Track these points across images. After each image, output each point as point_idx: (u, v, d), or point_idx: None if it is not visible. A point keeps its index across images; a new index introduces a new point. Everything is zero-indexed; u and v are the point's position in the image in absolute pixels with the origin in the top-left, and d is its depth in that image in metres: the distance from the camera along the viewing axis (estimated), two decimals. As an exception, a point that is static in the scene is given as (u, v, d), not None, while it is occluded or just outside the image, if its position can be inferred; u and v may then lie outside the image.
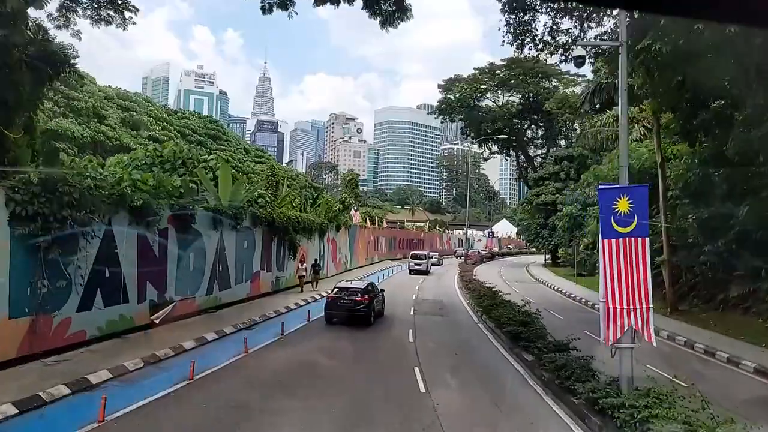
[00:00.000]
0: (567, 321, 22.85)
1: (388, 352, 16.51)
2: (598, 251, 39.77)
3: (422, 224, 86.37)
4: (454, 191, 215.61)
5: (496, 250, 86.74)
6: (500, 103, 66.32)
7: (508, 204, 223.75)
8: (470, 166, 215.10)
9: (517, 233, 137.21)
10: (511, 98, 65.72)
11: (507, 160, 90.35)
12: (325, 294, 28.27)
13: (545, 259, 69.83)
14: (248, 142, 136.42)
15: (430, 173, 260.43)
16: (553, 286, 38.77)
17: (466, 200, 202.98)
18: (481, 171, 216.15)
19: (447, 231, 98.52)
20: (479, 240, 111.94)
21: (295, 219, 28.38)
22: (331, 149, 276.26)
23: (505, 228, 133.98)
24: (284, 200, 33.19)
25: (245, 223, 23.32)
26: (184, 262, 18.64)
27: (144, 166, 24.39)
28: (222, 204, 22.21)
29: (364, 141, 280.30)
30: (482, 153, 73.00)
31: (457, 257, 77.84)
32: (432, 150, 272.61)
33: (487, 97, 66.54)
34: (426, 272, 47.16)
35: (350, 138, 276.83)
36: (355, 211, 46.40)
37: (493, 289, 26.91)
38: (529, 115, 66.95)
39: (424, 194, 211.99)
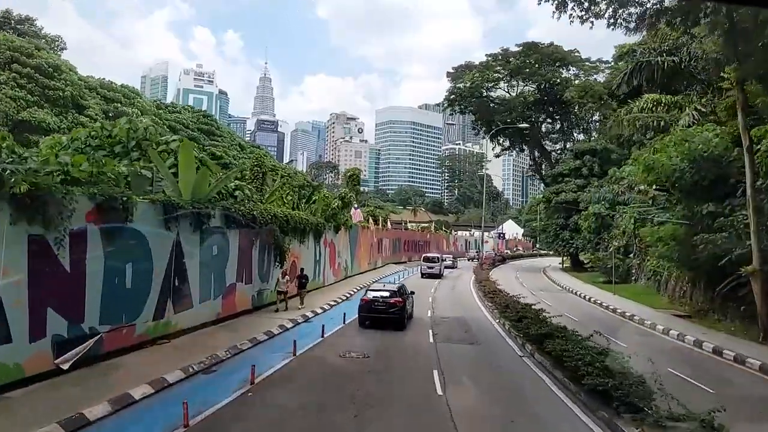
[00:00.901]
0: (636, 351, 17.06)
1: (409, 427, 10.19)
2: (634, 255, 33.80)
3: (427, 225, 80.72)
4: (456, 191, 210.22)
5: (507, 252, 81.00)
6: (515, 93, 60.59)
7: (511, 204, 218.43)
8: (474, 165, 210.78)
9: (523, 234, 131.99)
10: (526, 88, 59.96)
11: (517, 154, 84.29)
12: (319, 310, 22.88)
13: (562, 263, 64.18)
14: (246, 140, 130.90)
15: (431, 173, 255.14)
16: (585, 296, 33.10)
17: (468, 200, 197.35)
18: (485, 171, 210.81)
19: (454, 232, 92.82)
20: (486, 241, 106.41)
21: (283, 217, 22.73)
22: (332, 149, 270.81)
23: (511, 229, 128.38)
24: (273, 195, 27.59)
25: (214, 223, 17.71)
26: (114, 277, 13.01)
27: (88, 149, 18.77)
28: (181, 197, 16.60)
29: (365, 141, 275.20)
30: (492, 148, 67.18)
31: (469, 260, 72.83)
32: (434, 150, 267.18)
33: (500, 87, 60.83)
34: (439, 275, 43.49)
35: (351, 138, 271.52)
36: (356, 209, 40.78)
37: (525, 303, 21.43)
38: (545, 107, 61.22)
39: (426, 195, 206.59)
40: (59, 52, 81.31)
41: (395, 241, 58.74)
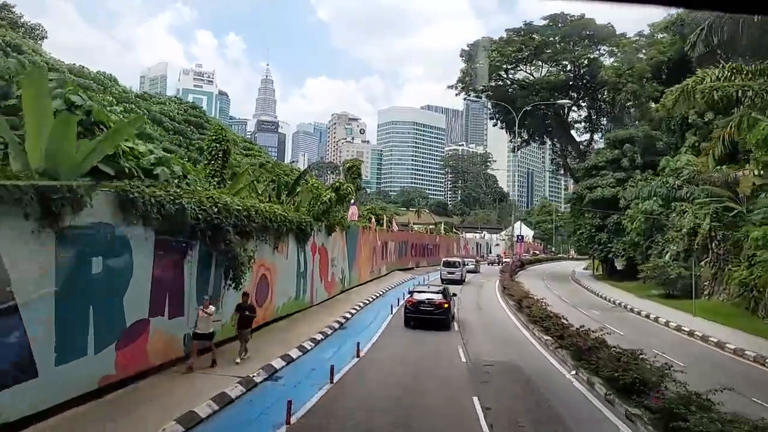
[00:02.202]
0: None
1: None
2: (709, 263, 25.30)
3: (434, 226, 72.41)
4: (460, 193, 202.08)
5: (525, 256, 72.88)
6: (539, 75, 52.34)
7: (516, 205, 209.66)
8: (479, 166, 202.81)
9: (534, 237, 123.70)
10: (551, 69, 51.64)
11: (521, 154, 76.06)
12: (281, 363, 13.85)
13: (593, 269, 55.90)
14: (239, 135, 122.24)
15: (435, 175, 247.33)
16: (657, 318, 24.82)
17: (474, 202, 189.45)
18: (490, 171, 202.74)
19: (463, 234, 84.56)
20: (497, 244, 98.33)
21: (241, 211, 14.48)
22: (334, 150, 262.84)
23: (521, 231, 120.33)
24: (239, 182, 19.55)
25: (94, 215, 9.61)
26: None
27: None
28: (29, 168, 8.57)
29: (368, 142, 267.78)
30: (510, 140, 59.11)
31: (489, 264, 65.66)
32: (437, 151, 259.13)
33: (521, 69, 52.60)
34: (461, 281, 38.34)
35: (353, 138, 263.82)
36: (353, 204, 32.65)
37: (586, 331, 13.52)
38: (572, 91, 52.92)
39: (429, 196, 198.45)
40: (40, 41, 73.87)
41: (401, 244, 50.60)
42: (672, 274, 31.07)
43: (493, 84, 53.16)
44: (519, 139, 59.28)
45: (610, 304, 31.32)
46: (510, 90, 54.17)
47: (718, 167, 31.72)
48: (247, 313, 13.65)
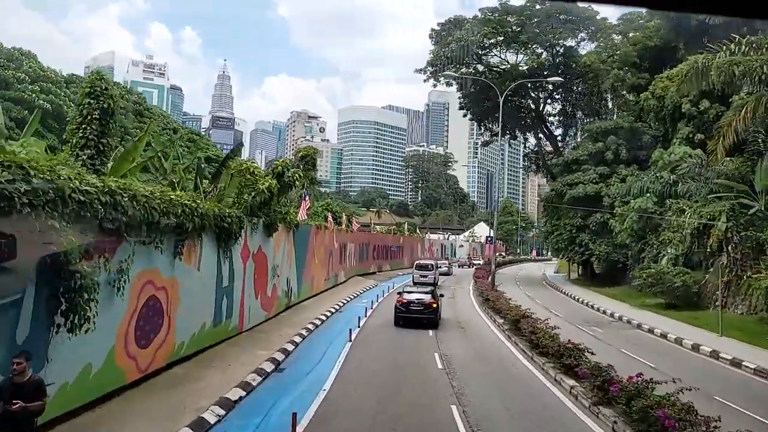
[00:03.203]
0: None
1: None
2: (727, 268, 20.30)
3: (398, 227, 66.77)
4: (421, 193, 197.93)
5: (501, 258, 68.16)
6: (514, 61, 47.45)
7: (476, 206, 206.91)
8: (441, 166, 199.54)
9: (496, 238, 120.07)
10: (526, 56, 46.77)
11: (482, 154, 71.62)
12: None
13: (567, 271, 51.55)
14: (190, 130, 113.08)
15: (396, 175, 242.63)
16: (683, 341, 19.74)
17: (435, 203, 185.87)
18: (450, 172, 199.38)
19: (429, 235, 79.27)
20: (461, 246, 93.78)
21: (91, 194, 8.23)
22: (293, 148, 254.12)
23: (483, 232, 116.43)
24: (132, 155, 13.28)
25: None
26: None
27: None
28: None
29: (327, 140, 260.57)
30: (480, 134, 54.35)
31: (459, 266, 61.74)
32: (398, 151, 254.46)
33: (495, 54, 47.59)
34: (434, 285, 33.57)
35: (312, 137, 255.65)
36: (305, 199, 26.55)
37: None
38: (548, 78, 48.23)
39: (390, 197, 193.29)
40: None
41: (363, 246, 44.69)
42: (676, 282, 26.31)
43: (465, 70, 47.96)
44: (489, 133, 54.41)
45: (608, 318, 26.32)
46: (482, 77, 49.16)
47: (728, 159, 27.34)
48: (15, 405, 5.67)
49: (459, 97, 51.66)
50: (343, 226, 36.88)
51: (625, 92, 42.21)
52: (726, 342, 19.10)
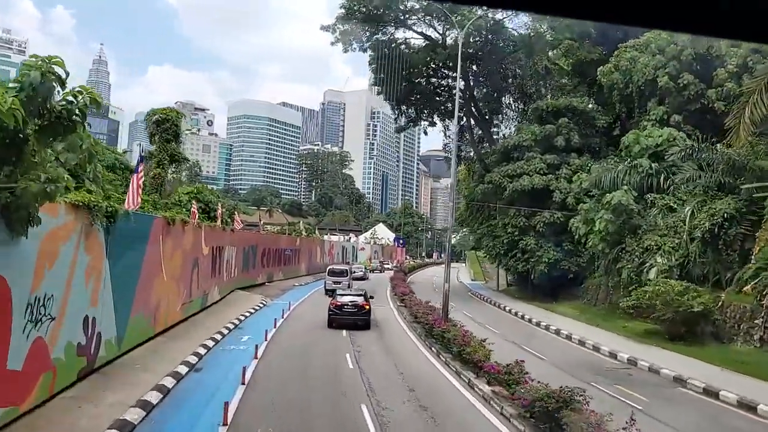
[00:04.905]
0: None
1: None
2: (748, 280, 12.45)
3: (295, 228, 55.41)
4: (315, 192, 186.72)
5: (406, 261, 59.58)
6: (435, 36, 38.59)
7: (372, 207, 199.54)
8: (336, 165, 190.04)
9: (394, 239, 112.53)
10: (450, 32, 38.15)
11: (382, 153, 63.27)
12: None
13: (495, 280, 43.82)
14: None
15: (289, 173, 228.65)
16: (759, 408, 11.45)
17: (329, 202, 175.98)
18: (347, 171, 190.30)
19: (328, 236, 68.53)
20: (362, 248, 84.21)
21: None
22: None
23: (383, 234, 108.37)
24: None
25: None
26: None
27: None
28: None
29: (216, 134, 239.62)
30: (395, 119, 45.23)
31: (371, 271, 52.60)
32: (292, 149, 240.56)
33: (416, 20, 38.39)
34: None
35: (199, 130, 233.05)
36: (137, 172, 14.93)
37: None
38: (473, 58, 40.12)
39: (283, 195, 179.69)
40: None
41: (248, 250, 33.12)
42: (694, 307, 18.45)
43: (379, 36, 38.38)
44: (404, 118, 45.36)
45: (610, 359, 17.58)
46: (398, 49, 39.90)
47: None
48: None
49: (371, 71, 41.95)
50: (219, 222, 25.27)
51: (567, 67, 35.10)
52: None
